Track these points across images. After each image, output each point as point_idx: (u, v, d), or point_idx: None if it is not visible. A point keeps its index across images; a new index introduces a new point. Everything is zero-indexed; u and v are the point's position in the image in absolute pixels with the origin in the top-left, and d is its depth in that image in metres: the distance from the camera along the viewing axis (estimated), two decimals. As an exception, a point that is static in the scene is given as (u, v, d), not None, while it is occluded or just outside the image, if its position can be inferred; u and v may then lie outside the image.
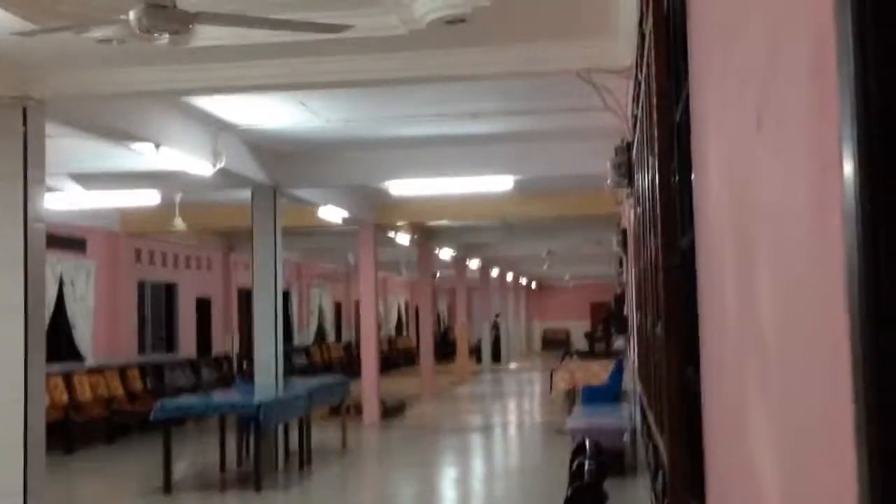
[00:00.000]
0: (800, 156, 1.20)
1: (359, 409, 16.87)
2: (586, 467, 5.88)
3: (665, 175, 2.72)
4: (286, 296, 24.82)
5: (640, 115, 4.39)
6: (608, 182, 6.79)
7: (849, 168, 0.88)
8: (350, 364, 27.12)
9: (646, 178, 3.90)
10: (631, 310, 11.01)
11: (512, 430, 17.14)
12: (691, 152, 2.63)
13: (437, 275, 30.58)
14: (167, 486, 10.34)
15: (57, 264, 15.75)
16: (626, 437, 10.27)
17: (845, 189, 0.89)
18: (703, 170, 2.43)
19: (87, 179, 12.49)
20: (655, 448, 4.17)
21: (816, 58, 1.06)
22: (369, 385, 17.15)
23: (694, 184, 2.60)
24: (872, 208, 0.85)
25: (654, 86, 2.85)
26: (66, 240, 16.13)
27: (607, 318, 24.45)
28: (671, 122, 2.81)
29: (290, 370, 20.71)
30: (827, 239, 1.03)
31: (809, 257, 1.16)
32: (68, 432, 14.22)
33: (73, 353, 16.32)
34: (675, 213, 2.80)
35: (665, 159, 2.70)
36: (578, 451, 7.36)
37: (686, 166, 2.71)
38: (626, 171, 6.20)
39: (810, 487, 1.22)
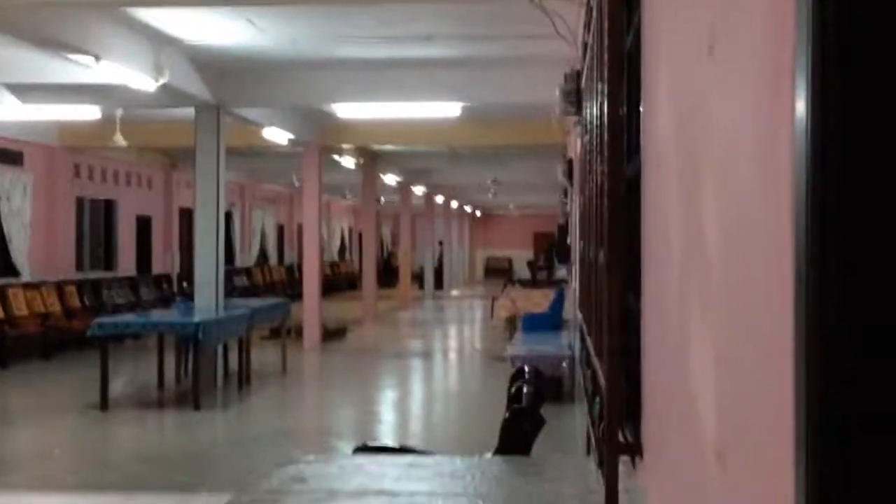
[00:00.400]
0: (752, 81, 1.20)
1: (299, 332, 16.90)
2: (524, 391, 5.95)
3: (613, 102, 2.71)
4: (228, 216, 24.60)
5: (590, 42, 4.37)
6: (556, 110, 6.78)
7: (801, 94, 0.88)
8: (292, 287, 27.09)
9: (594, 106, 3.90)
10: (574, 239, 11.10)
11: (452, 355, 17.32)
12: (641, 80, 2.63)
13: (382, 200, 30.49)
14: (104, 404, 10.29)
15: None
16: (566, 365, 10.43)
17: (797, 116, 0.90)
18: (651, 97, 2.43)
19: (25, 91, 12.15)
20: (594, 374, 4.24)
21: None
22: (310, 308, 17.16)
23: (642, 111, 2.60)
24: (824, 134, 0.85)
25: (605, 11, 2.84)
26: (3, 153, 15.76)
27: (550, 248, 24.66)
28: (622, 49, 2.80)
29: (231, 291, 20.64)
30: (775, 163, 1.03)
31: (757, 183, 1.17)
32: (3, 347, 14.06)
33: (9, 268, 16.07)
34: (622, 140, 2.81)
35: (614, 86, 2.69)
36: (517, 376, 7.44)
37: (635, 94, 2.71)
38: (575, 99, 6.19)
39: (747, 410, 1.25)
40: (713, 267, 1.50)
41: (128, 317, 12.36)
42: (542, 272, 26.61)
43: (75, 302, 16.81)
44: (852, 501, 0.84)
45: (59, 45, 8.64)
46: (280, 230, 31.80)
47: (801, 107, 0.88)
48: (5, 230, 15.85)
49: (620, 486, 2.84)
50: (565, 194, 15.08)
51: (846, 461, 0.84)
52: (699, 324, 1.65)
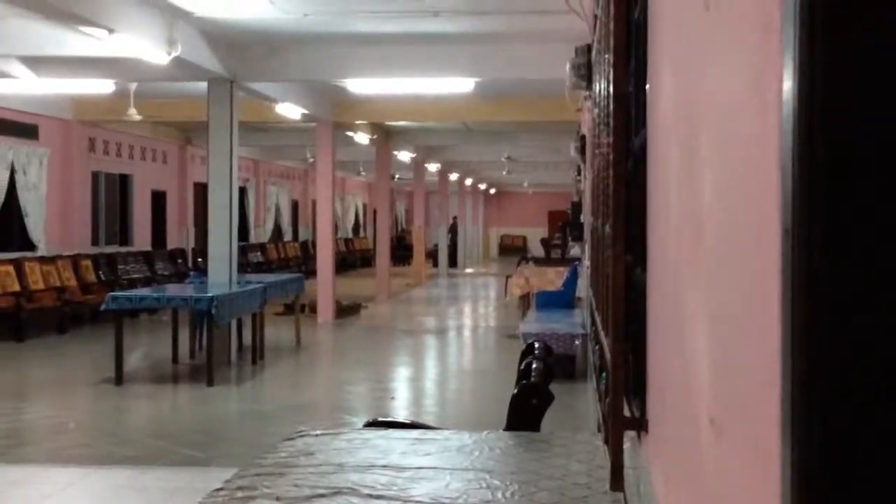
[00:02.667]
0: (743, 36, 1.18)
1: (313, 308, 16.94)
2: (533, 367, 5.95)
3: (619, 72, 2.68)
4: (242, 192, 24.65)
5: (599, 14, 4.33)
6: (567, 84, 6.73)
7: (789, 49, 0.86)
8: (306, 263, 27.14)
9: (603, 80, 3.86)
10: (586, 216, 11.07)
11: (466, 333, 17.32)
12: (647, 51, 2.60)
13: (396, 177, 30.47)
14: (118, 378, 10.36)
15: (8, 150, 15.46)
16: (578, 343, 10.42)
17: (784, 71, 0.88)
18: (656, 65, 2.40)
19: (39, 64, 12.17)
20: (601, 349, 4.23)
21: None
22: (324, 284, 17.20)
23: (648, 81, 2.57)
24: (810, 91, 0.83)
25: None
26: (19, 126, 15.82)
27: (564, 225, 24.61)
28: (629, 18, 2.77)
29: (245, 267, 20.70)
30: (765, 124, 1.01)
31: (748, 147, 1.15)
32: (19, 321, 14.15)
33: (26, 242, 16.16)
34: (628, 111, 2.78)
35: (620, 56, 2.66)
36: (527, 352, 7.43)
37: (642, 65, 2.68)
38: (585, 72, 6.14)
39: (739, 374, 1.23)
40: (705, 233, 1.49)
41: (142, 291, 12.41)
42: (556, 250, 26.56)
43: (91, 276, 16.90)
44: (837, 466, 0.83)
45: (71, 17, 8.63)
46: (294, 206, 31.85)
47: (788, 62, 0.86)
48: (22, 204, 15.92)
49: (627, 462, 2.83)
50: (578, 171, 15.03)
51: (832, 427, 0.83)
52: (693, 291, 1.64)
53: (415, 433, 3.58)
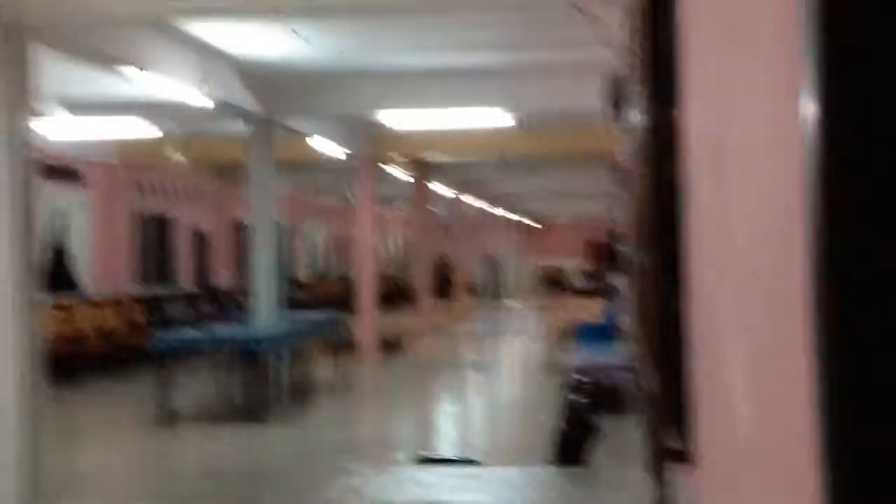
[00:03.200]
0: (768, 66, 1.18)
1: (357, 345, 16.96)
2: (578, 401, 5.93)
3: (651, 102, 2.69)
4: (284, 230, 24.83)
5: (631, 45, 4.34)
6: (602, 116, 6.74)
7: (811, 79, 0.86)
8: (348, 299, 27.20)
9: (636, 110, 3.87)
10: (625, 246, 11.02)
11: (509, 366, 17.25)
12: (676, 81, 2.61)
13: (435, 211, 30.56)
14: (166, 419, 10.43)
15: (54, 196, 15.74)
16: (622, 374, 10.33)
17: (805, 100, 0.88)
18: (686, 96, 2.40)
19: (78, 107, 12.40)
20: (644, 380, 4.20)
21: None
22: (367, 320, 17.23)
23: (678, 111, 2.57)
24: (835, 122, 0.83)
25: (642, 11, 2.81)
26: (63, 171, 16.10)
27: (603, 256, 24.50)
28: (658, 48, 2.78)
29: (288, 304, 20.79)
30: (790, 155, 1.01)
31: (774, 174, 1.15)
32: (67, 363, 14.30)
33: (72, 286, 16.39)
34: (661, 140, 2.78)
35: (651, 86, 2.67)
36: (572, 386, 7.41)
37: (671, 95, 2.68)
38: (618, 103, 6.15)
39: (776, 405, 1.23)
40: (738, 264, 1.48)
41: (189, 332, 12.51)
42: (596, 281, 26.44)
43: (137, 317, 17.07)
44: (872, 492, 0.82)
45: (104, 57, 8.78)
46: (335, 242, 32.01)
47: (811, 93, 0.86)
48: (68, 248, 16.17)
49: (673, 493, 2.80)
50: (615, 201, 14.98)
51: (866, 458, 0.83)
52: (729, 320, 1.63)
53: (463, 470, 3.57)
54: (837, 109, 0.83)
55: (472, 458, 5.70)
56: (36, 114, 7.50)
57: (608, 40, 6.59)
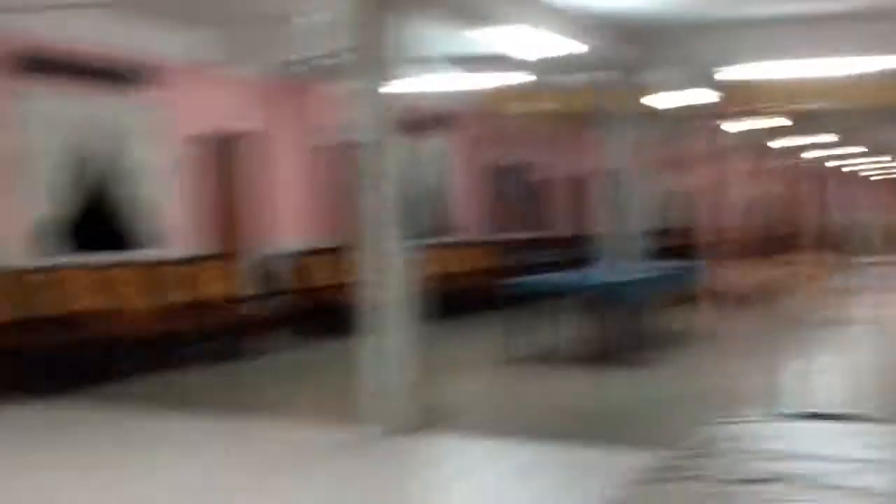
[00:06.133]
0: None
1: (714, 296, 16.55)
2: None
3: None
4: (640, 179, 24.68)
5: None
6: None
7: None
8: (709, 250, 26.52)
9: None
10: None
11: (886, 324, 15.97)
12: None
13: (805, 160, 29.04)
14: (515, 359, 10.92)
15: (424, 144, 16.77)
16: None
17: None
18: None
19: (456, 63, 13.09)
20: None
21: None
22: (726, 272, 16.79)
23: None
24: None
25: None
26: (432, 120, 17.07)
27: None
28: None
29: (648, 253, 20.67)
30: None
31: None
32: (440, 301, 15.17)
33: (446, 230, 17.46)
34: None
35: None
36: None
37: None
38: None
39: None
40: None
41: (545, 277, 12.80)
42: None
43: (501, 261, 17.78)
44: None
45: (477, 18, 9.22)
46: (692, 192, 31.34)
47: None
48: (437, 193, 17.21)
49: None
50: None
51: None
52: None
53: (849, 425, 3.40)
54: None
55: (852, 413, 5.37)
56: (404, 73, 8.12)
57: None
